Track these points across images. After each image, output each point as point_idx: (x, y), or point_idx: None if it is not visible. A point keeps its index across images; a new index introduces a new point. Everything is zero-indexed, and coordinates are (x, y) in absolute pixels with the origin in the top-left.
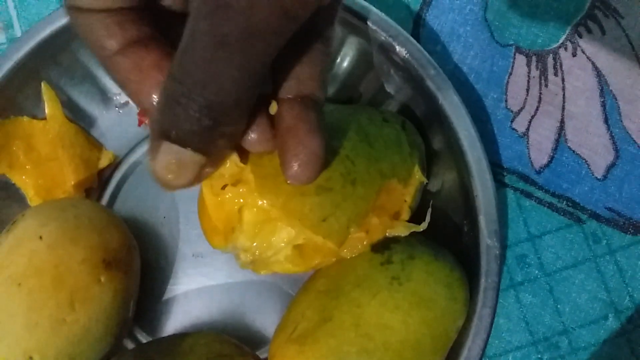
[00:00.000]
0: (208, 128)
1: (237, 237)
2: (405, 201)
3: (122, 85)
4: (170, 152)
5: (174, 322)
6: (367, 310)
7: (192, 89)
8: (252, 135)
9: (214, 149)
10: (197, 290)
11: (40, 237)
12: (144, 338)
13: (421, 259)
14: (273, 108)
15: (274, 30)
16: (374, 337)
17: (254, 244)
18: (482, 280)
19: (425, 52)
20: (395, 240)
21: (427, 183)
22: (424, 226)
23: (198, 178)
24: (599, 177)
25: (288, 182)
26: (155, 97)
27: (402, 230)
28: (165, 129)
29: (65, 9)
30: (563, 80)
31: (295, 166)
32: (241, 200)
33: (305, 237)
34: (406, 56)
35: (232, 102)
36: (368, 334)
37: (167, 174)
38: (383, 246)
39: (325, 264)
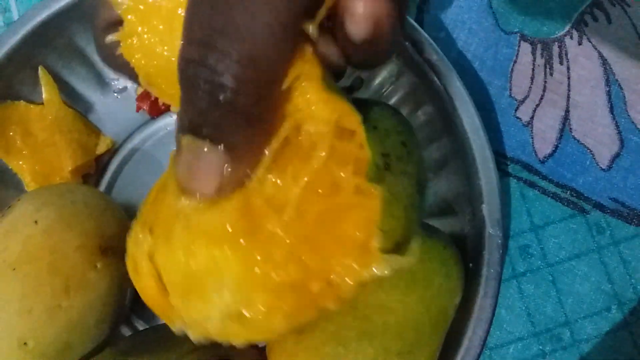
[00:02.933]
0: (231, 116)
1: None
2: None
3: None
4: (190, 148)
5: None
6: (363, 292)
7: (214, 49)
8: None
9: (237, 139)
10: None
11: (36, 222)
12: (140, 326)
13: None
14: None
15: None
16: (372, 319)
17: None
18: (484, 270)
19: (429, 38)
20: None
21: None
22: (412, 258)
23: (225, 183)
24: (603, 168)
25: (354, 35)
26: None
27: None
28: (184, 124)
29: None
30: (568, 69)
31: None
32: None
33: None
34: (409, 43)
35: (265, 61)
36: (366, 316)
37: (190, 176)
38: None
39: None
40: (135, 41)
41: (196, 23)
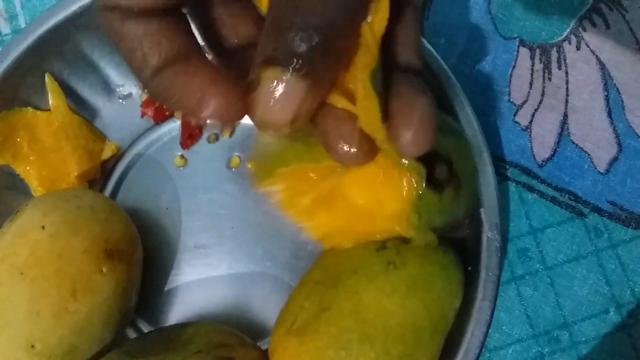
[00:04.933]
0: (317, 46)
1: None
2: None
3: (172, 104)
4: (272, 78)
5: (176, 312)
6: (365, 296)
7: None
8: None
9: (321, 71)
10: (199, 282)
11: (43, 227)
12: (145, 328)
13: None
14: None
15: None
16: (373, 323)
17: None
18: (482, 273)
19: (428, 45)
20: None
21: None
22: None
23: (301, 114)
24: (601, 171)
25: (403, 154)
26: (216, 110)
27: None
28: (268, 55)
29: (98, 11)
30: (567, 73)
31: (407, 134)
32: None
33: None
34: None
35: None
36: (368, 319)
37: (269, 107)
38: None
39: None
40: None
41: None
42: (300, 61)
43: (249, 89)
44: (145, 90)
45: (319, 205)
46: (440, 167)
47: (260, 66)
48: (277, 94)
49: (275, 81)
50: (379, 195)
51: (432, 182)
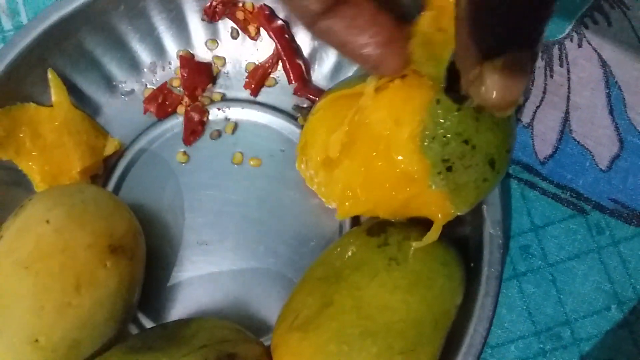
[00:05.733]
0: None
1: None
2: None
3: (338, 47)
4: (510, 64)
5: (179, 309)
6: (367, 292)
7: None
8: None
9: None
10: (202, 278)
11: (48, 221)
12: (148, 324)
13: (417, 239)
14: None
15: None
16: (375, 318)
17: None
18: (485, 269)
19: None
20: (390, 223)
21: None
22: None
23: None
24: (603, 169)
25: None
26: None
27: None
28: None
29: None
30: (568, 71)
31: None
32: None
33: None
34: None
35: None
36: (369, 315)
37: (508, 90)
38: (379, 229)
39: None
40: None
41: None
42: (533, 43)
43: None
44: (311, 34)
45: (345, 151)
46: (457, 81)
47: (484, 62)
48: (514, 76)
49: (514, 65)
50: (398, 114)
51: (454, 92)
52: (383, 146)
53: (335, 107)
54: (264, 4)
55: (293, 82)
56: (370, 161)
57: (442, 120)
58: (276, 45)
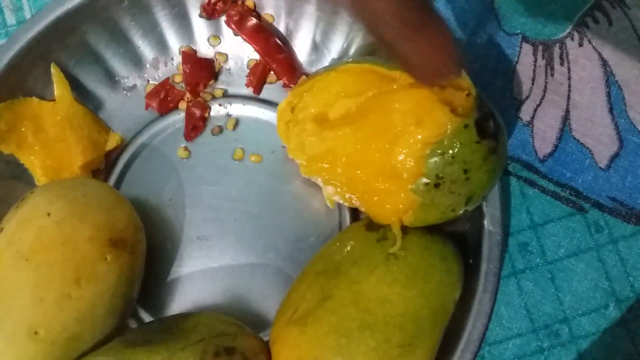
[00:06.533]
0: None
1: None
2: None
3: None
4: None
5: (178, 303)
6: (365, 286)
7: None
8: None
9: None
10: (202, 273)
11: (49, 214)
12: (147, 319)
13: (415, 233)
14: None
15: None
16: (374, 312)
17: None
18: (484, 266)
19: None
20: None
21: None
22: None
23: None
24: (602, 167)
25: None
26: None
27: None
28: None
29: None
30: (569, 70)
31: None
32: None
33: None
34: None
35: None
36: (368, 308)
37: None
38: (378, 224)
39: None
40: None
41: None
42: None
43: None
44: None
45: (350, 120)
46: (488, 120)
47: None
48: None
49: None
50: (423, 117)
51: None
52: (391, 135)
53: (361, 76)
54: (232, 11)
55: (283, 78)
56: (370, 142)
57: (459, 144)
58: (254, 48)
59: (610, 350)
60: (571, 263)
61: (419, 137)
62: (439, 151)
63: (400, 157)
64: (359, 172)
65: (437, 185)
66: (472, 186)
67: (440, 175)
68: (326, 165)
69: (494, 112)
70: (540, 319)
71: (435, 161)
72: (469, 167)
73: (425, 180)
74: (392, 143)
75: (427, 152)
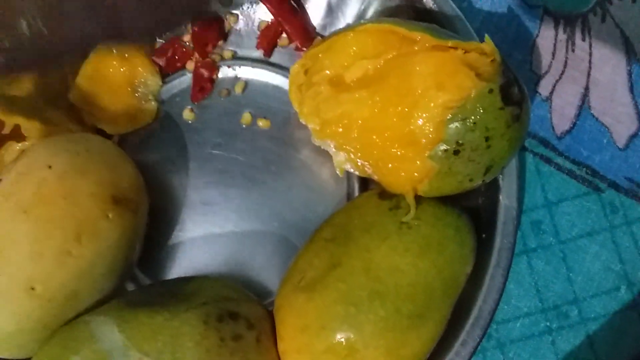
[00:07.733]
0: None
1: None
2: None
3: None
4: None
5: (178, 268)
6: (376, 254)
7: None
8: None
9: None
10: (204, 238)
11: (50, 167)
12: (146, 282)
13: (429, 204)
14: None
15: None
16: (384, 281)
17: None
18: (498, 240)
19: (452, 4)
20: None
21: None
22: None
23: None
24: (620, 147)
25: None
26: None
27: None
28: None
29: None
30: (590, 45)
31: None
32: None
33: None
34: (432, 6)
35: None
36: (379, 277)
37: None
38: (391, 193)
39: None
40: None
41: None
42: None
43: None
44: None
45: (371, 80)
46: (513, 86)
47: None
48: None
49: None
50: (444, 80)
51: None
52: (410, 99)
53: (380, 37)
54: None
55: (295, 41)
56: (388, 105)
57: (482, 110)
58: (268, 9)
59: (620, 333)
60: (584, 243)
61: (440, 101)
62: (460, 116)
63: (419, 122)
64: (374, 137)
65: (456, 152)
66: (492, 155)
67: (460, 142)
68: (340, 130)
69: (519, 79)
70: (549, 299)
71: (456, 127)
72: (491, 134)
73: (444, 146)
74: (411, 107)
75: (448, 117)
